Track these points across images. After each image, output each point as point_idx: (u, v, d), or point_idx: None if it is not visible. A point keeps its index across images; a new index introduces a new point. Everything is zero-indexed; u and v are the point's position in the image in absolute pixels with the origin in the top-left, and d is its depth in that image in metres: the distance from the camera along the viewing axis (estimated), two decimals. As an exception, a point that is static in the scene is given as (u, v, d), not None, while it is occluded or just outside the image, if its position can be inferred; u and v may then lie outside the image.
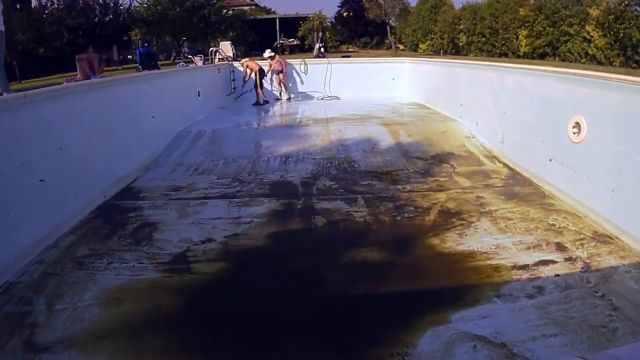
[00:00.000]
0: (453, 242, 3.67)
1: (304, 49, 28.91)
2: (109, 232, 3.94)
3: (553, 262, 3.28)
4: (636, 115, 3.55)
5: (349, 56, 17.56)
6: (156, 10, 21.17)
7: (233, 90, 11.13)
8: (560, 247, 3.49)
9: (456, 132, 7.02)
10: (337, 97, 10.75)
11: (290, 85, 11.35)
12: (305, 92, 11.43)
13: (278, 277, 3.18)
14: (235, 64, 11.69)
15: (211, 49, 14.30)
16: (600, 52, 15.88)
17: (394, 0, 29.23)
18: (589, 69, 6.26)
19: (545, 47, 18.40)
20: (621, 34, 14.97)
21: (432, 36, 26.31)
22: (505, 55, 20.03)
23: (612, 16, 15.21)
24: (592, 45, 16.27)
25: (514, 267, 3.24)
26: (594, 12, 15.94)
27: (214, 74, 10.31)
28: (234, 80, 11.19)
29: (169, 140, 6.65)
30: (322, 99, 10.84)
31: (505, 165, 5.61)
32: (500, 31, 20.27)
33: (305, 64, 11.42)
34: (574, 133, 4.29)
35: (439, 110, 8.58)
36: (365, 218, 4.12)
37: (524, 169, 5.26)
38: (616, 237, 3.52)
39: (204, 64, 12.35)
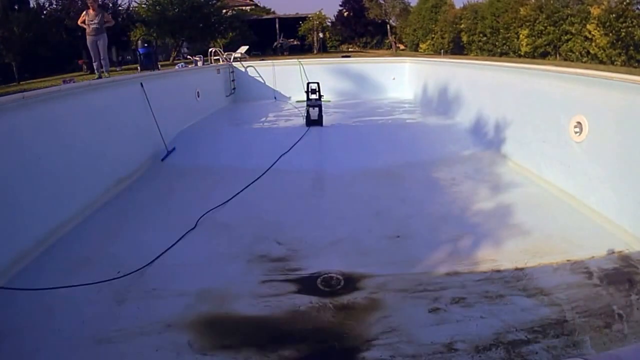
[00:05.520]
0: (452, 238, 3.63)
1: (303, 49, 28.89)
2: (106, 233, 3.91)
3: (556, 262, 3.24)
4: (638, 115, 3.52)
5: (349, 56, 17.53)
6: (155, 11, 21.10)
7: (233, 91, 11.10)
8: (562, 247, 3.44)
9: (456, 131, 6.97)
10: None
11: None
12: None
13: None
14: (235, 64, 11.66)
15: (210, 49, 14.26)
16: (602, 51, 15.79)
17: (394, 0, 29.18)
18: (591, 68, 6.21)
19: (547, 47, 18.31)
20: (623, 33, 14.89)
21: (433, 36, 26.21)
22: (506, 54, 19.96)
23: (614, 15, 15.13)
24: (593, 44, 16.18)
25: (516, 268, 3.20)
26: (596, 10, 15.85)
27: (213, 75, 10.28)
28: (233, 80, 11.16)
29: (168, 142, 6.61)
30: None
31: (507, 164, 5.57)
32: (501, 30, 20.18)
33: (301, 64, 11.24)
34: (576, 132, 4.25)
35: (438, 109, 8.53)
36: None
37: (525, 168, 5.22)
38: (618, 237, 3.48)
39: (203, 64, 12.32)
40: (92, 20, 8.92)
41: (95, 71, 9.31)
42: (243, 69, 11.48)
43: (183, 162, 5.99)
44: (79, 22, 9.28)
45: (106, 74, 8.85)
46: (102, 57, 9.00)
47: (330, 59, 14.97)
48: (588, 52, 16.57)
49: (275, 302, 2.86)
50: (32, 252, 3.44)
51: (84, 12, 9.21)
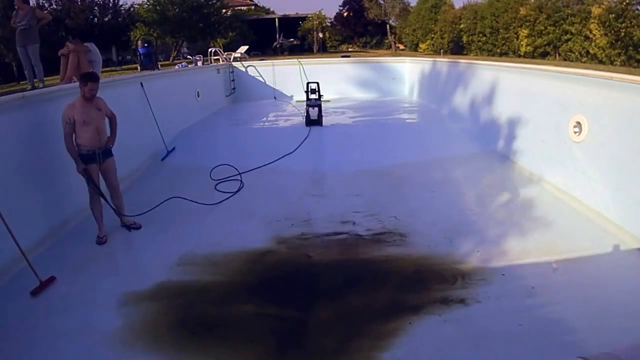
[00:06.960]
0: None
1: (303, 49, 28.85)
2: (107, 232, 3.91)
3: (555, 261, 3.24)
4: (637, 115, 3.52)
5: (348, 56, 17.53)
6: (156, 11, 21.07)
7: (233, 91, 11.10)
8: (561, 247, 3.45)
9: (456, 132, 6.96)
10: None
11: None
12: None
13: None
14: (236, 64, 11.66)
15: (210, 49, 14.27)
16: (602, 51, 15.76)
17: (394, 0, 29.12)
18: (590, 68, 6.22)
19: (546, 47, 18.27)
20: (622, 33, 14.85)
21: (433, 36, 26.17)
22: (506, 54, 19.92)
23: (613, 15, 15.09)
24: (593, 44, 16.14)
25: (516, 268, 3.20)
26: (596, 10, 15.79)
27: (213, 75, 10.28)
28: (233, 80, 11.17)
29: (168, 142, 6.61)
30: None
31: (507, 164, 5.57)
32: (501, 30, 20.13)
33: (301, 64, 11.22)
34: (575, 132, 4.26)
35: (438, 109, 8.53)
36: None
37: (525, 168, 5.22)
38: (618, 236, 3.48)
39: (203, 64, 12.32)
40: (20, 22, 7.13)
41: (28, 81, 7.75)
42: (243, 69, 11.49)
43: (183, 162, 6.00)
44: (12, 24, 7.58)
45: (41, 84, 7.37)
46: (34, 64, 7.40)
47: (330, 58, 14.96)
48: (588, 52, 16.52)
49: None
50: (32, 252, 3.44)
51: (14, 13, 7.51)
